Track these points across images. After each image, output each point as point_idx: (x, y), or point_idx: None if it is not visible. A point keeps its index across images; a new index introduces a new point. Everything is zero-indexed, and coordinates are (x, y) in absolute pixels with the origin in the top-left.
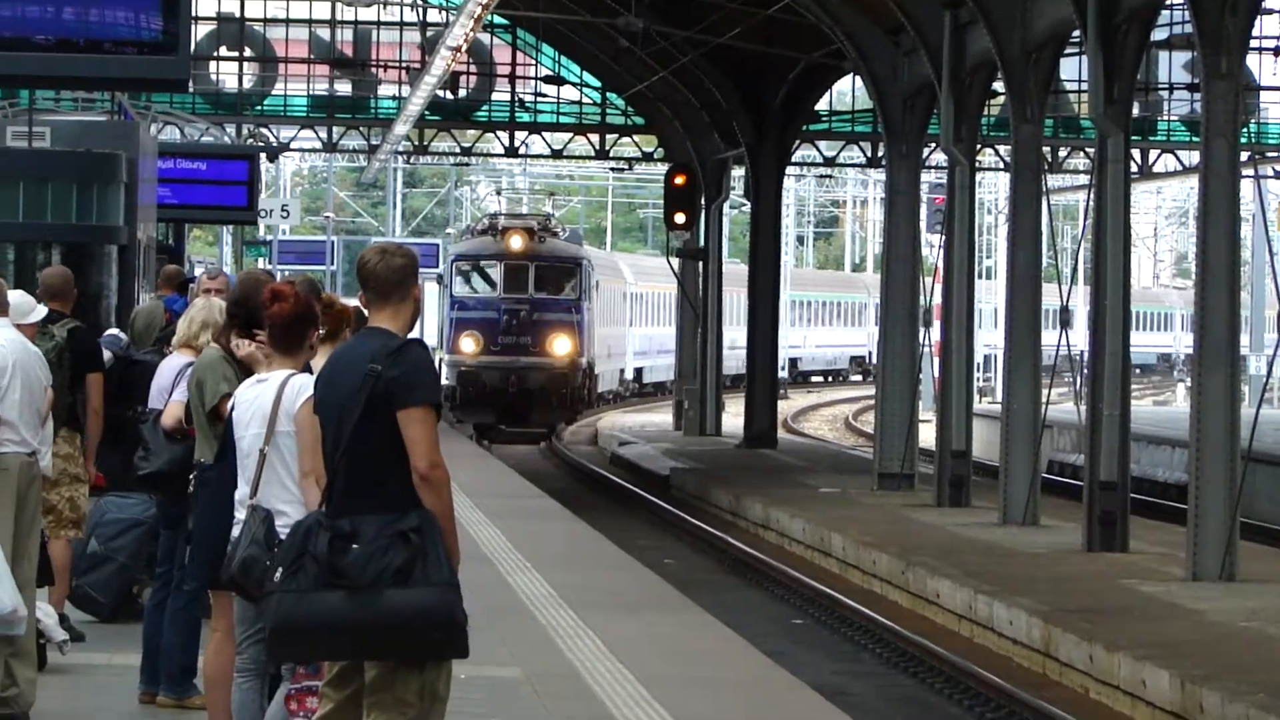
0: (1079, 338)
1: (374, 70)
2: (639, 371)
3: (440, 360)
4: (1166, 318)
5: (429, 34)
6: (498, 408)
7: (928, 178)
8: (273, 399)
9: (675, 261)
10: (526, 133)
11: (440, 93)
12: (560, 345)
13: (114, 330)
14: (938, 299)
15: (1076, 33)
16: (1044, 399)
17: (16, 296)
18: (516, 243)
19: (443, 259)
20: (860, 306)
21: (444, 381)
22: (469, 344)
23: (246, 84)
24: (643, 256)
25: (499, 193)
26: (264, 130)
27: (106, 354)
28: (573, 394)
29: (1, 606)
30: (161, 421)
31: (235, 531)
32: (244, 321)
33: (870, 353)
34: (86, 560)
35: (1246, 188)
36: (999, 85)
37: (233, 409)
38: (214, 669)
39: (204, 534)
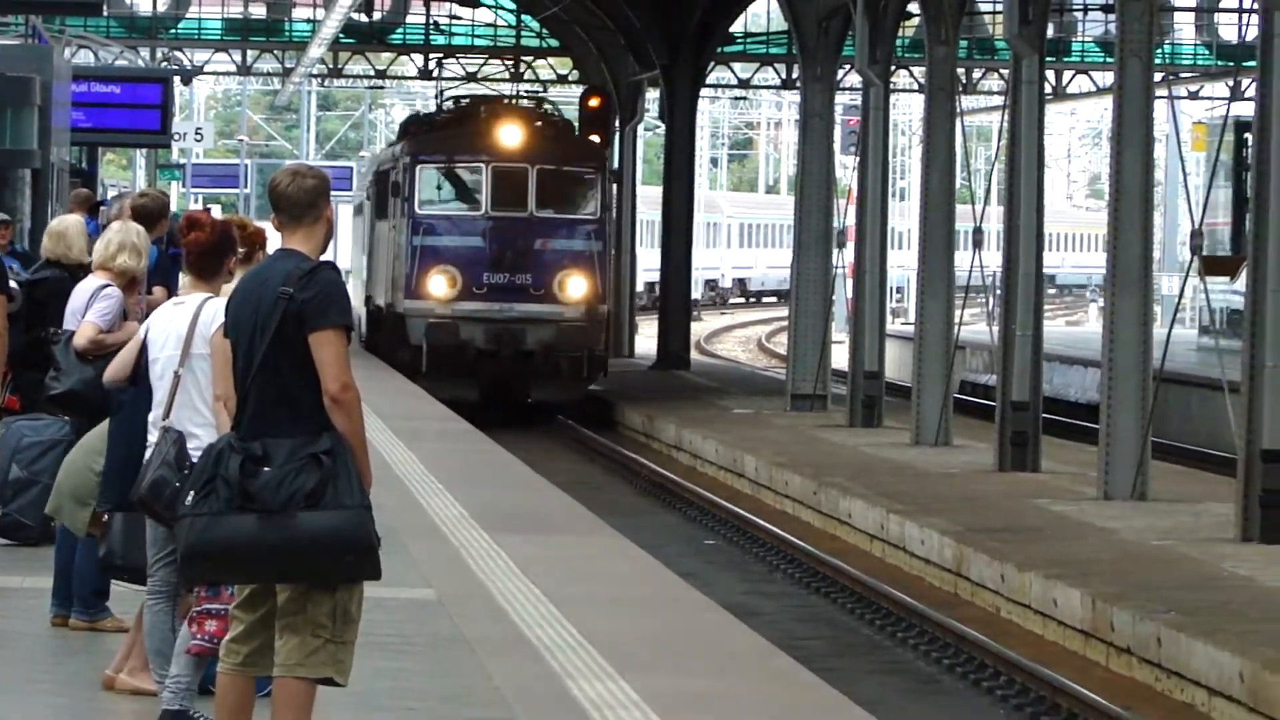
0: (992, 259)
1: None
2: None
3: (380, 305)
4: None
5: None
6: (484, 376)
7: (842, 99)
8: (189, 322)
9: None
10: (441, 55)
11: (355, 15)
12: (575, 286)
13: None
14: (851, 221)
15: None
16: (957, 320)
17: None
18: (511, 135)
19: (365, 168)
20: None
21: (413, 341)
22: (441, 285)
23: (161, 7)
24: None
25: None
26: (178, 54)
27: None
28: (590, 356)
29: None
30: (74, 342)
31: (148, 454)
32: None
33: None
34: (11, 487)
35: (1160, 109)
36: (914, 7)
37: (148, 331)
38: None
39: (116, 456)
